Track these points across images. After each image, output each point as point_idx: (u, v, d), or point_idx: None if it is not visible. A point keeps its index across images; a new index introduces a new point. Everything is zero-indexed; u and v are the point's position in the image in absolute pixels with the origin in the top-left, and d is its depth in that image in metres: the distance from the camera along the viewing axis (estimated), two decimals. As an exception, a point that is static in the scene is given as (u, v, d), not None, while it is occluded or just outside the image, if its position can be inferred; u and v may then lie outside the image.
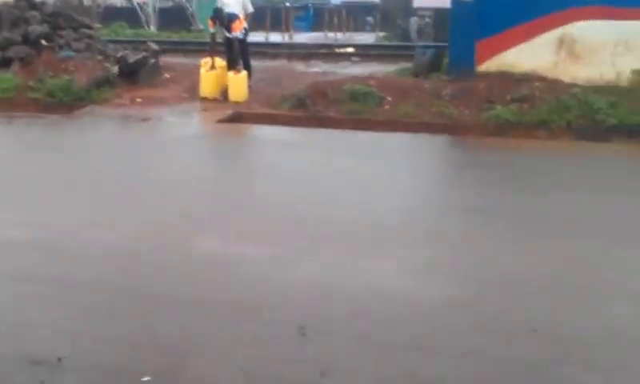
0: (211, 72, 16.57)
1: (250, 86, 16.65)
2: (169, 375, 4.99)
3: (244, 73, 16.54)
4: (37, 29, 18.74)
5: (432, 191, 10.48)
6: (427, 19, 27.87)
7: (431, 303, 6.19)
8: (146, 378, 4.87)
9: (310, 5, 48.24)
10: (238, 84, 16.27)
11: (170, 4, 48.21)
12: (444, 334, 5.60)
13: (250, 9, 17.69)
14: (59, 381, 4.90)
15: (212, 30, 17.27)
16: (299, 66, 21.40)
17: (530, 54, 15.25)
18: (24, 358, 5.14)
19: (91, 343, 5.43)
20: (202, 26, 36.20)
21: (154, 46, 19.45)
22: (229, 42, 16.79)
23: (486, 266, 7.09)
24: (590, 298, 6.30)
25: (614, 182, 10.44)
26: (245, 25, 16.88)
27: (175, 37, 30.47)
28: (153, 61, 18.60)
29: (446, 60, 17.32)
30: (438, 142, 13.37)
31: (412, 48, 20.37)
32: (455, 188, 10.50)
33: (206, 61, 16.93)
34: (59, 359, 5.08)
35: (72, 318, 5.86)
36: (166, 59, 20.17)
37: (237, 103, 15.83)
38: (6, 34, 18.68)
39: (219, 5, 17.17)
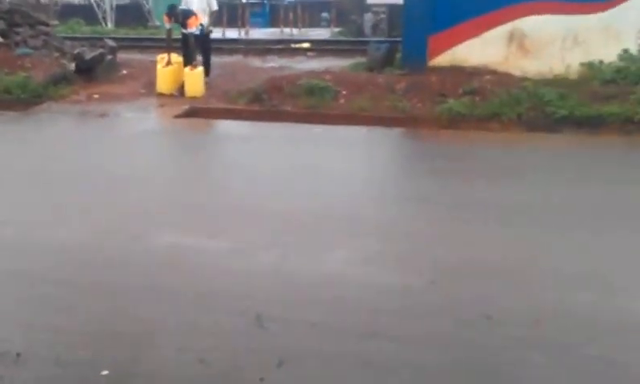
0: (168, 68, 16.68)
1: (207, 82, 16.79)
2: (128, 367, 5.01)
3: (200, 69, 16.67)
4: (-8, 26, 18.59)
5: (386, 182, 10.57)
6: (382, 15, 28.12)
7: (385, 291, 6.28)
8: (104, 372, 4.89)
9: (265, 1, 48.36)
10: (195, 79, 16.40)
11: (127, 1, 48.08)
12: (398, 320, 5.69)
13: (215, 7, 17.93)
14: (18, 376, 4.89)
15: (167, 26, 17.34)
16: (256, 62, 21.45)
17: (481, 49, 15.62)
18: None
19: (49, 337, 5.41)
20: (158, 23, 36.24)
21: (111, 43, 19.50)
22: (185, 38, 16.86)
23: (438, 254, 7.18)
24: (540, 283, 6.45)
25: (563, 171, 10.64)
26: (202, 21, 16.94)
27: (132, 33, 30.41)
28: (110, 57, 18.64)
29: (399, 55, 17.44)
30: (392, 134, 13.57)
31: (366, 43, 20.53)
32: (409, 179, 10.70)
33: (162, 57, 17.06)
34: (17, 354, 5.10)
35: (29, 313, 5.87)
36: (123, 56, 20.15)
37: (194, 98, 15.95)
38: (-41, 30, 18.50)
39: (183, 4, 17.34)
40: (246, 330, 5.53)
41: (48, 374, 4.93)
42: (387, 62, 17.45)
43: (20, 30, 19.40)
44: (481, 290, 6.26)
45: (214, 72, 17.81)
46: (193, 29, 16.57)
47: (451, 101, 14.07)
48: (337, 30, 35.47)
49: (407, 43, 16.80)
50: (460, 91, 14.42)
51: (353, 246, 7.38)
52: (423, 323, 5.65)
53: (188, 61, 16.64)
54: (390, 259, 7.12)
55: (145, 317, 5.77)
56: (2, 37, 18.79)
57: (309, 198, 9.16)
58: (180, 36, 17.32)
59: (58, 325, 5.62)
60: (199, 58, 17.21)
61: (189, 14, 16.73)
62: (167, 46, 17.37)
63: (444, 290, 6.30)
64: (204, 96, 16.20)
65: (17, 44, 18.82)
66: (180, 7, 17.05)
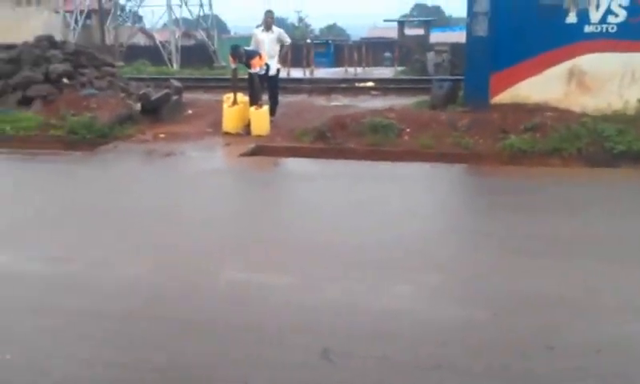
0: (234, 107, 16.84)
1: (272, 121, 16.95)
2: None
3: (265, 108, 16.81)
4: (58, 67, 19.05)
5: (449, 217, 10.60)
6: (444, 54, 28.14)
7: (448, 324, 6.36)
8: None
9: (330, 41, 48.73)
10: (260, 118, 16.51)
11: (192, 42, 48.90)
12: (462, 353, 5.75)
13: (288, 40, 18.27)
14: None
15: (233, 66, 17.56)
16: (320, 101, 21.60)
17: (542, 86, 15.59)
18: None
19: (114, 371, 5.54)
20: (223, 63, 36.74)
21: (177, 83, 19.83)
22: (250, 78, 17.07)
23: (500, 286, 7.25)
24: (601, 314, 6.47)
25: (622, 204, 10.65)
26: (268, 62, 17.18)
27: (197, 74, 30.86)
28: (175, 97, 18.94)
29: (461, 93, 17.47)
30: (455, 170, 13.52)
31: (429, 81, 20.51)
32: (471, 213, 10.73)
33: (228, 96, 17.24)
34: None
35: (95, 349, 5.94)
36: (188, 96, 20.47)
37: (259, 137, 16.06)
38: (27, 73, 18.94)
39: (253, 43, 17.70)
40: (312, 363, 5.60)
41: None
42: (450, 99, 17.48)
43: (86, 71, 19.79)
44: (542, 322, 6.31)
45: (279, 111, 17.99)
46: (257, 69, 16.77)
47: (513, 137, 14.02)
48: (400, 68, 35.52)
49: (470, 81, 16.78)
50: (521, 128, 14.36)
51: (417, 280, 7.44)
52: (486, 355, 5.69)
53: (253, 100, 16.80)
54: (453, 293, 7.23)
55: (213, 351, 5.86)
56: (68, 78, 19.11)
57: (373, 233, 9.18)
58: (246, 76, 17.49)
59: (122, 359, 5.73)
60: (265, 97, 17.40)
61: (253, 54, 16.96)
62: (233, 85, 17.56)
63: (506, 322, 6.36)
64: (270, 134, 16.29)
65: (82, 85, 19.14)
66: (245, 48, 17.27)
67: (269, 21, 17.86)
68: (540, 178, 12.58)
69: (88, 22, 56.42)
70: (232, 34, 66.39)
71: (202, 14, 52.15)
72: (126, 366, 5.60)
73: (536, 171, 13.00)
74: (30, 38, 21.02)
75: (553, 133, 14.02)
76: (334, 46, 49.22)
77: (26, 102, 18.38)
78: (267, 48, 17.42)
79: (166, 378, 5.43)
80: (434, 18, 56.00)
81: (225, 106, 17.02)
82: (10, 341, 6.10)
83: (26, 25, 55.68)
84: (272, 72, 17.53)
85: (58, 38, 23.93)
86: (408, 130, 15.27)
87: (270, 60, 17.35)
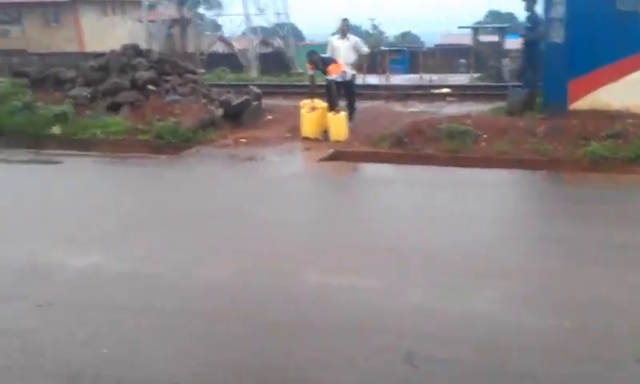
0: (312, 113, 17.03)
1: (350, 127, 17.08)
2: None
3: (343, 113, 16.96)
4: (144, 75, 19.62)
5: (527, 223, 10.63)
6: (519, 60, 28.04)
7: (533, 330, 6.42)
8: None
9: (405, 48, 48.74)
10: (338, 124, 16.68)
11: (270, 50, 49.45)
12: (545, 360, 5.82)
13: (365, 50, 18.53)
14: None
15: (310, 72, 17.82)
16: (396, 107, 21.63)
17: (622, 92, 15.40)
18: (143, 382, 5.58)
19: (203, 369, 5.77)
20: (300, 70, 37.05)
21: (256, 89, 20.16)
22: (328, 84, 17.30)
23: (583, 294, 7.27)
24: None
25: None
26: (344, 69, 17.42)
27: (275, 80, 31.14)
28: (255, 103, 19.27)
29: (539, 99, 17.47)
30: (533, 177, 13.46)
31: (505, 88, 20.49)
32: (550, 220, 10.62)
33: (306, 102, 17.44)
34: None
35: (184, 346, 6.20)
36: (267, 102, 20.75)
37: (337, 142, 16.25)
38: (115, 79, 19.52)
39: (329, 51, 18.03)
40: (397, 367, 5.72)
41: None
42: (527, 106, 17.45)
43: (169, 78, 20.28)
44: (631, 331, 6.35)
45: (356, 117, 18.15)
46: (333, 76, 17.00)
47: (594, 144, 13.92)
48: (475, 75, 35.37)
49: (547, 88, 16.87)
50: (602, 134, 14.24)
51: (498, 285, 7.53)
52: (577, 364, 5.76)
53: (331, 106, 16.99)
54: (536, 299, 7.26)
55: (298, 352, 6.04)
56: (153, 85, 19.63)
57: (451, 238, 9.35)
58: (324, 82, 17.71)
59: (212, 357, 5.99)
60: (342, 103, 17.59)
61: (329, 61, 17.22)
62: (311, 91, 17.81)
63: (593, 330, 6.40)
64: (348, 140, 16.45)
65: (167, 91, 19.62)
66: (321, 55, 17.54)
67: (344, 28, 18.17)
68: (621, 186, 12.52)
69: (170, 31, 57.49)
70: (307, 41, 66.72)
71: (278, 22, 52.82)
72: (215, 365, 5.83)
73: (617, 178, 12.90)
74: (117, 47, 21.66)
75: (635, 139, 13.91)
76: (409, 53, 49.23)
77: (114, 107, 18.91)
78: (343, 55, 17.70)
79: (254, 378, 5.65)
80: (509, 25, 55.57)
81: (303, 111, 17.25)
82: (106, 336, 6.39)
83: (112, 34, 57.20)
84: (347, 78, 17.73)
85: (143, 46, 24.56)
86: (485, 136, 15.29)
87: (345, 67, 17.56)
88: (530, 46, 18.82)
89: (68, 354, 6.01)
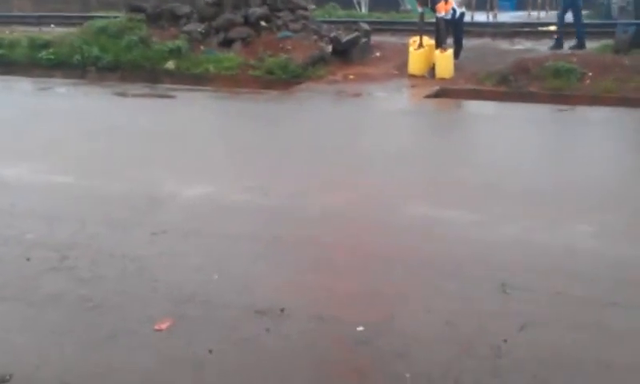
0: (419, 50, 17.20)
1: (456, 64, 17.20)
2: (381, 325, 5.37)
3: (450, 51, 17.12)
4: (257, 11, 19.86)
5: (629, 160, 10.67)
6: (629, -2, 27.53)
7: (624, 262, 6.45)
8: (360, 328, 5.30)
9: (514, -16, 48.06)
10: (445, 62, 16.85)
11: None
12: (637, 290, 5.92)
13: None
14: (282, 329, 5.34)
15: (420, 9, 17.93)
16: (503, 44, 21.41)
17: None
18: (250, 307, 5.65)
19: (309, 294, 5.92)
20: (409, 7, 36.98)
21: (365, 26, 20.28)
22: (436, 21, 17.41)
23: None
24: None
25: None
26: (453, 5, 17.52)
27: (385, 17, 31.02)
28: (364, 40, 19.45)
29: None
30: (638, 114, 13.43)
31: (613, 26, 20.17)
32: None
33: (414, 39, 17.60)
34: (282, 309, 5.57)
35: (291, 273, 6.41)
36: (376, 38, 20.74)
37: (443, 80, 16.41)
38: (228, 15, 19.88)
39: None
40: (490, 296, 5.84)
41: (308, 327, 5.41)
42: (635, 44, 17.19)
43: (281, 14, 20.45)
44: None
45: (462, 54, 18.16)
46: (442, 13, 17.10)
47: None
48: (584, 12, 34.78)
49: (655, 26, 16.34)
50: None
51: (595, 219, 7.56)
52: None
53: (439, 43, 17.12)
54: (630, 232, 7.27)
55: (397, 281, 6.21)
56: (266, 21, 19.90)
57: (550, 173, 9.51)
58: (433, 20, 17.83)
59: (317, 283, 6.18)
60: (450, 40, 17.69)
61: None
62: (419, 29, 17.82)
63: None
64: (453, 77, 16.59)
65: (278, 28, 19.88)
66: None
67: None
68: None
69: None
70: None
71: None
72: (322, 289, 6.02)
73: None
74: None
75: None
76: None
77: (227, 43, 19.30)
78: None
79: (357, 302, 5.86)
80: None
81: (411, 48, 17.41)
82: (217, 263, 6.62)
83: None
84: (456, 16, 17.83)
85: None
86: (590, 74, 15.27)
87: (454, 4, 17.66)
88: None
89: (180, 279, 6.22)
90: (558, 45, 18.99)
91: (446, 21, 17.34)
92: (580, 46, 18.54)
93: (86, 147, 11.15)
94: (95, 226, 7.52)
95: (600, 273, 6.23)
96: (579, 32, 19.11)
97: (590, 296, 5.80)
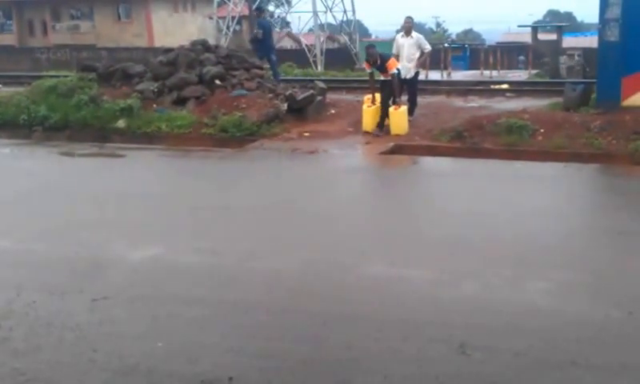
0: (372, 107, 17.21)
1: (410, 120, 17.27)
2: None
3: (404, 108, 17.13)
4: (211, 70, 19.81)
5: (583, 215, 10.83)
6: (576, 58, 28.17)
7: (584, 321, 6.42)
8: None
9: (466, 45, 49.20)
10: (398, 118, 16.84)
11: (336, 45, 50.13)
12: (597, 350, 5.86)
13: (427, 47, 18.50)
14: None
15: (368, 70, 17.87)
16: (457, 102, 21.64)
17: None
18: (197, 377, 5.49)
19: (259, 361, 5.75)
20: (364, 65, 37.41)
21: (321, 84, 20.36)
22: (391, 78, 17.20)
23: (636, 286, 7.31)
24: None
25: None
26: (402, 65, 17.51)
27: (340, 75, 31.36)
28: (319, 98, 19.45)
29: (594, 95, 17.58)
30: (588, 170, 13.72)
31: (562, 84, 20.60)
32: (605, 212, 10.83)
33: (368, 97, 17.69)
34: (230, 378, 5.44)
35: (241, 339, 6.22)
36: (332, 96, 20.90)
37: (398, 136, 16.42)
38: (182, 74, 19.83)
39: (395, 48, 18.16)
40: (449, 357, 5.75)
41: None
42: (583, 101, 17.60)
43: (236, 73, 20.50)
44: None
45: (418, 111, 18.28)
46: (394, 70, 17.00)
47: (645, 138, 14.04)
48: (534, 72, 35.57)
49: (601, 84, 17.03)
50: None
51: (552, 277, 7.52)
52: (622, 353, 5.80)
53: (393, 101, 17.07)
54: (588, 290, 7.27)
55: (352, 344, 6.06)
56: (220, 80, 19.88)
57: (508, 230, 9.45)
58: (382, 77, 17.66)
59: (268, 350, 6.00)
60: (404, 98, 17.76)
61: (387, 57, 17.28)
62: (371, 86, 17.85)
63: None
64: (409, 134, 16.60)
65: (233, 86, 19.81)
66: (380, 53, 17.57)
67: (408, 26, 18.27)
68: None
69: (238, 27, 58.72)
70: (373, 37, 67.53)
71: (345, 19, 53.53)
72: (273, 356, 5.86)
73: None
74: (186, 42, 22.27)
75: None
76: (469, 50, 49.57)
77: (180, 101, 19.21)
78: (406, 52, 17.81)
79: (311, 369, 5.70)
80: (567, 24, 55.69)
81: (364, 106, 17.46)
82: (162, 330, 6.42)
83: (182, 30, 59.22)
84: (410, 75, 17.89)
85: (212, 42, 25.22)
86: (542, 130, 15.53)
87: (408, 63, 17.74)
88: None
89: (122, 349, 6.02)
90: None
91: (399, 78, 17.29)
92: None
93: (25, 209, 10.94)
94: (32, 293, 7.25)
95: (561, 332, 6.19)
96: None
97: (551, 356, 5.73)
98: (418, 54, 18.08)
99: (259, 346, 6.08)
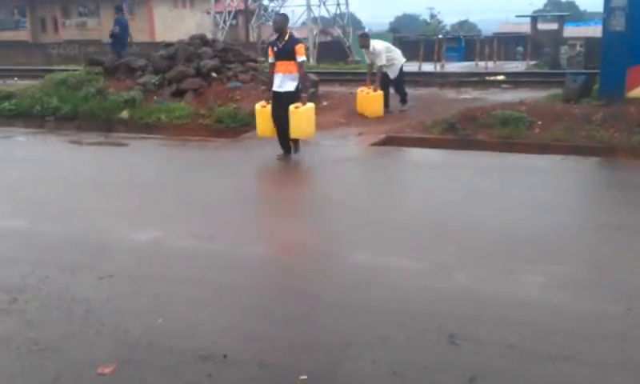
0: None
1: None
2: (324, 374, 5.36)
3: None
4: (208, 63, 20.61)
5: (580, 209, 10.78)
6: (578, 48, 27.84)
7: (580, 316, 6.35)
8: (303, 377, 5.27)
9: (461, 36, 49.06)
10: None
11: (329, 39, 50.44)
12: (592, 346, 5.77)
13: (379, 63, 18.46)
14: (224, 375, 5.35)
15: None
16: (450, 94, 21.54)
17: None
18: (194, 352, 5.67)
19: (253, 342, 5.89)
20: (358, 58, 37.69)
21: (314, 77, 20.70)
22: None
23: (634, 281, 7.21)
24: None
25: None
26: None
27: (333, 68, 31.59)
28: (312, 90, 19.73)
29: (596, 86, 17.39)
30: (588, 163, 13.43)
31: (561, 75, 20.35)
32: (604, 206, 10.68)
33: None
34: (224, 355, 5.60)
35: (235, 320, 6.39)
36: (324, 89, 21.14)
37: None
38: (181, 67, 20.56)
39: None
40: (438, 347, 5.74)
41: (250, 374, 5.38)
42: (584, 93, 17.44)
43: (232, 66, 21.21)
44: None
45: (409, 103, 18.63)
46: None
47: (650, 131, 13.86)
48: (532, 62, 35.16)
49: (605, 75, 16.82)
50: (659, 122, 14.14)
51: (546, 270, 7.46)
52: (618, 349, 5.71)
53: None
54: (584, 285, 7.19)
55: (342, 329, 6.13)
56: (216, 72, 20.57)
57: (502, 223, 9.36)
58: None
59: (260, 330, 6.15)
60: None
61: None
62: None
63: (641, 317, 6.33)
64: (401, 125, 16.82)
65: (229, 79, 20.54)
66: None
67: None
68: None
69: (234, 21, 59.83)
70: (366, 30, 67.98)
71: (338, 12, 53.84)
72: (262, 339, 6.00)
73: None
74: (185, 37, 23.15)
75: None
76: (464, 41, 49.49)
77: (179, 93, 19.99)
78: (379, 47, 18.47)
79: (301, 352, 5.79)
80: (569, 13, 55.24)
81: (257, 106, 17.31)
82: (162, 308, 6.66)
83: (181, 25, 60.57)
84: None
85: (209, 36, 26.04)
86: (539, 122, 15.33)
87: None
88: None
89: (125, 324, 6.25)
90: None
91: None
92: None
93: (41, 193, 11.40)
94: (46, 270, 7.59)
95: (554, 326, 6.14)
96: None
97: (543, 350, 5.70)
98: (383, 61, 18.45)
99: (252, 327, 6.27)
